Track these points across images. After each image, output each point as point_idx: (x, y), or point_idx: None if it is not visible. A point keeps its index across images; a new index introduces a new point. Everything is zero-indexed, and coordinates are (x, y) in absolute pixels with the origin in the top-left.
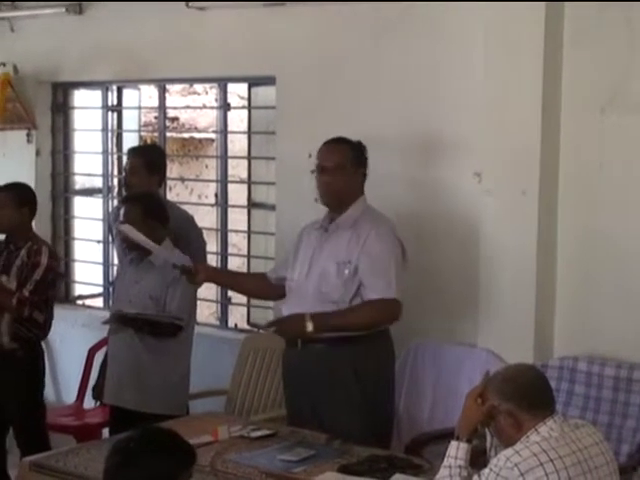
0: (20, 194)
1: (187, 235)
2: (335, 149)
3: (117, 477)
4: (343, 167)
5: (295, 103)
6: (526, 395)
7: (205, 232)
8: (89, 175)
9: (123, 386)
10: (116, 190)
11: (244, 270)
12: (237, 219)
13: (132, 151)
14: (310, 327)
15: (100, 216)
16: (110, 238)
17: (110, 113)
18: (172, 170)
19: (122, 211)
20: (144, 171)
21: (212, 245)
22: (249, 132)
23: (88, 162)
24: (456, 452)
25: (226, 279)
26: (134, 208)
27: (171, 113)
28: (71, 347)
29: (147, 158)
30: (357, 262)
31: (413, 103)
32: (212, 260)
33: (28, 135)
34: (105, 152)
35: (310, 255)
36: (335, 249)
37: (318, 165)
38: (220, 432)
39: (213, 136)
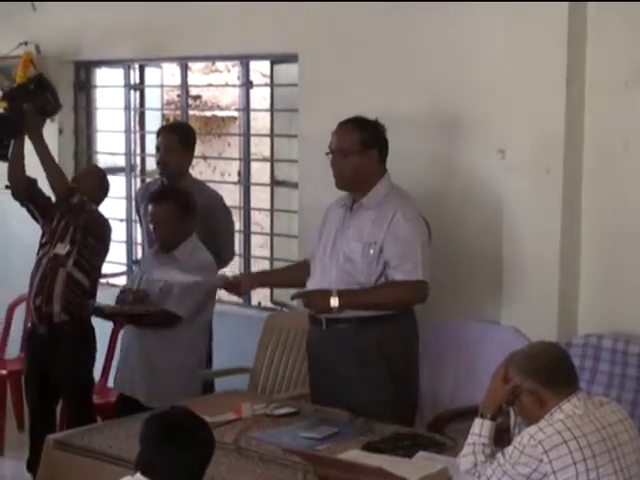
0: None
1: (215, 216)
2: (341, 131)
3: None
4: (348, 150)
5: (317, 80)
6: (549, 373)
7: None
8: (112, 154)
9: (134, 377)
10: (139, 168)
11: (267, 249)
12: (260, 197)
13: (166, 129)
14: (335, 302)
15: (123, 194)
16: (137, 218)
17: (132, 91)
18: (195, 148)
19: (150, 210)
20: (180, 148)
21: (235, 223)
22: (272, 110)
23: (111, 141)
24: (480, 429)
25: (269, 280)
26: (166, 207)
27: (193, 91)
28: (94, 325)
29: (181, 136)
30: (382, 243)
31: (436, 80)
32: (235, 238)
33: None
34: (128, 131)
35: (334, 234)
36: (360, 229)
37: (329, 147)
38: (244, 410)
39: (235, 114)
